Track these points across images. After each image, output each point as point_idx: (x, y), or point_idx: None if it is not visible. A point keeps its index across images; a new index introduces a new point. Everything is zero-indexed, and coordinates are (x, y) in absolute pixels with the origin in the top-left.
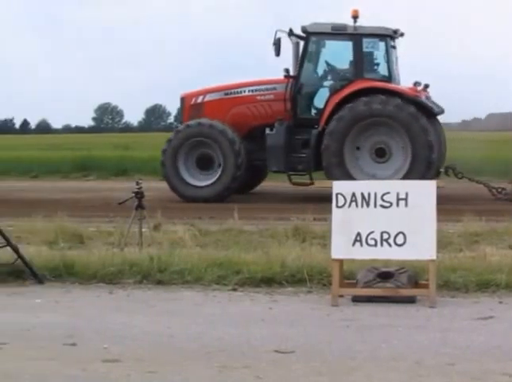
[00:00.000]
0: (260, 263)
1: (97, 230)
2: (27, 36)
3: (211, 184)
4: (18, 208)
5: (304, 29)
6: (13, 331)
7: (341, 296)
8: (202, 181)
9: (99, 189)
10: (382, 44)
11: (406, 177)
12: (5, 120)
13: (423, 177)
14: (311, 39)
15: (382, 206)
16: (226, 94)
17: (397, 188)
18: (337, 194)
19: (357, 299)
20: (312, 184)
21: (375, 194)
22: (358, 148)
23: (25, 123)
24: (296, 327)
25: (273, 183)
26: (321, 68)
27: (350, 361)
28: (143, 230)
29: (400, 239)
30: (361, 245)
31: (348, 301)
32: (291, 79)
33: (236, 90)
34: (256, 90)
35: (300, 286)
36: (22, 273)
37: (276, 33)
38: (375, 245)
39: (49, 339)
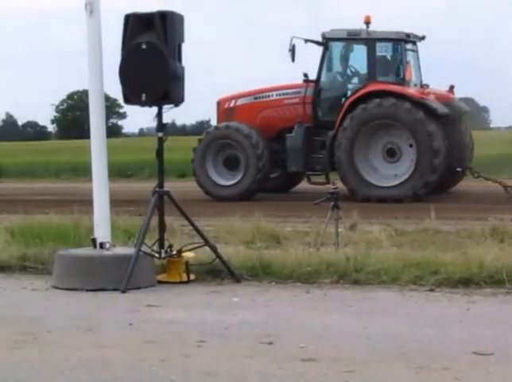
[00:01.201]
0: (457, 264)
1: (293, 230)
2: (230, 38)
3: (234, 184)
4: (216, 208)
5: (322, 35)
6: (212, 329)
7: None
8: (229, 180)
9: (295, 189)
10: (396, 48)
11: (409, 179)
12: (202, 122)
13: (425, 181)
14: (329, 44)
15: None
16: (256, 98)
17: None
18: None
19: None
20: (327, 183)
21: None
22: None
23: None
24: (495, 329)
25: (468, 183)
26: (339, 72)
27: None
28: (339, 230)
29: None
30: None
31: None
32: (311, 83)
33: (265, 94)
34: (283, 94)
35: (499, 288)
36: (220, 272)
37: (291, 39)
38: None
39: (246, 337)
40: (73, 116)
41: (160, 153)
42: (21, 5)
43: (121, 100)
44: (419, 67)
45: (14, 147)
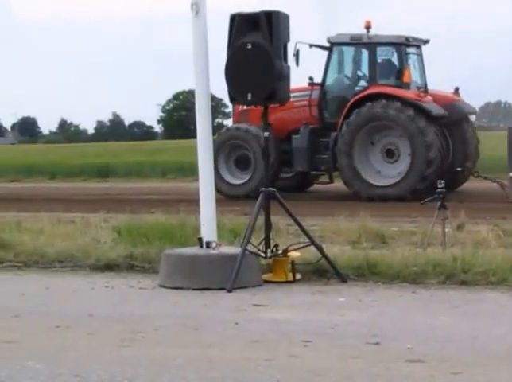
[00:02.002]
0: None
1: (399, 230)
2: None
3: (243, 183)
4: (321, 208)
5: (328, 40)
6: (318, 329)
7: None
8: (240, 179)
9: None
10: (396, 52)
11: (400, 183)
12: None
13: (414, 188)
14: (333, 48)
15: None
16: None
17: None
18: None
19: None
20: (331, 182)
21: None
22: (372, 143)
23: None
24: None
25: None
26: (343, 75)
27: None
28: (446, 230)
29: None
30: None
31: None
32: (316, 86)
33: None
34: (292, 96)
35: None
36: (326, 272)
37: (296, 44)
38: None
39: (353, 338)
40: (179, 116)
41: (266, 152)
42: (127, 6)
43: (226, 100)
44: (423, 69)
45: (121, 147)
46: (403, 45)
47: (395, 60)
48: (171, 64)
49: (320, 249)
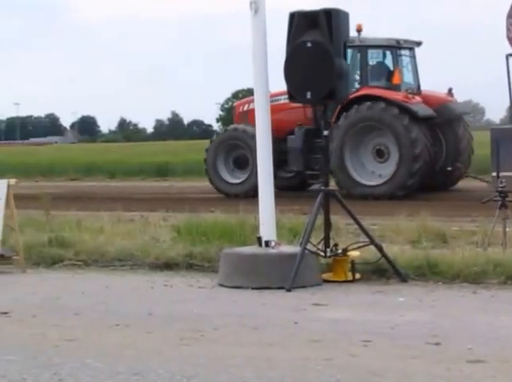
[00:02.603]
0: None
1: (460, 229)
2: None
3: (242, 182)
4: (381, 207)
5: None
6: (377, 328)
7: None
8: (238, 178)
9: (462, 187)
10: (386, 54)
11: (381, 185)
12: None
13: (392, 193)
14: None
15: None
16: None
17: None
18: None
19: None
20: None
21: None
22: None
23: None
24: None
25: None
26: None
27: None
28: (507, 229)
29: None
30: None
31: None
32: None
33: (274, 98)
34: None
35: None
36: (385, 272)
37: None
38: None
39: (413, 338)
40: None
41: (325, 150)
42: (187, 5)
43: None
44: (416, 71)
45: (180, 146)
46: (394, 48)
47: (386, 62)
48: (230, 62)
49: (379, 248)
